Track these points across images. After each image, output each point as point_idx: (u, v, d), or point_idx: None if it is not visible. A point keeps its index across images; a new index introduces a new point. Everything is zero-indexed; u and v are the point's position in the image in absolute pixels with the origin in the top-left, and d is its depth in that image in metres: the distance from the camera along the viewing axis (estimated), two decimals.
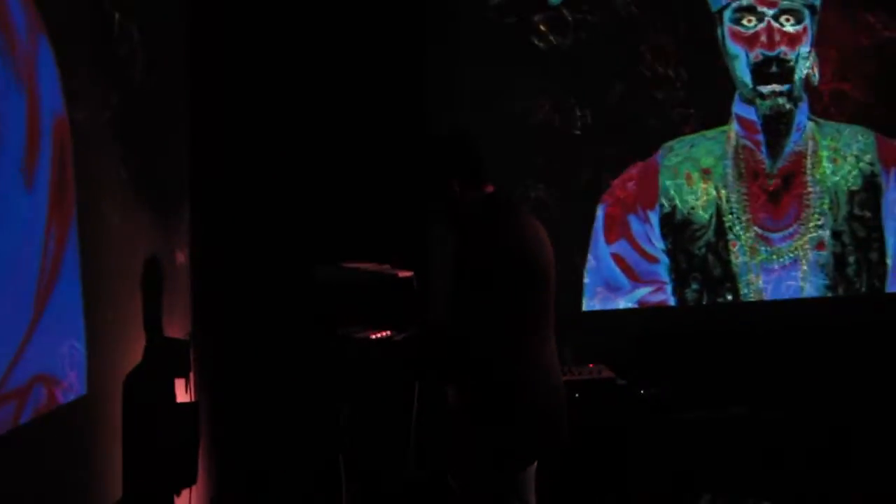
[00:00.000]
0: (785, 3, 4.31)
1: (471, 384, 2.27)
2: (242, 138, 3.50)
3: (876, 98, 4.38)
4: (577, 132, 4.22)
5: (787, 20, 4.31)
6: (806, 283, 4.38)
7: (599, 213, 4.27)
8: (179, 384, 3.17)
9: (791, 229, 4.38)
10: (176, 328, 3.18)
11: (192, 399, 3.27)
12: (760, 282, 4.37)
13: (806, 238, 4.37)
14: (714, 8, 4.29)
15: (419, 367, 2.54)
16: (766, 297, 4.37)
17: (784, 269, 4.37)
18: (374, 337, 2.75)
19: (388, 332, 2.78)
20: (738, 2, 4.29)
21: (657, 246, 4.30)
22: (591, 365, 3.57)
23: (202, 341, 3.33)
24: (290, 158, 3.53)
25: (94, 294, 2.50)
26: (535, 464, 2.39)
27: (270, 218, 3.47)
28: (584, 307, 4.26)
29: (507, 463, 2.30)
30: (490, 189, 2.34)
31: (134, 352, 2.88)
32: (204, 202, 3.39)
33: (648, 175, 4.30)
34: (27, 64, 2.20)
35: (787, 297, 4.37)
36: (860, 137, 4.39)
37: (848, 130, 4.38)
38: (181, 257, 3.26)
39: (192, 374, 3.25)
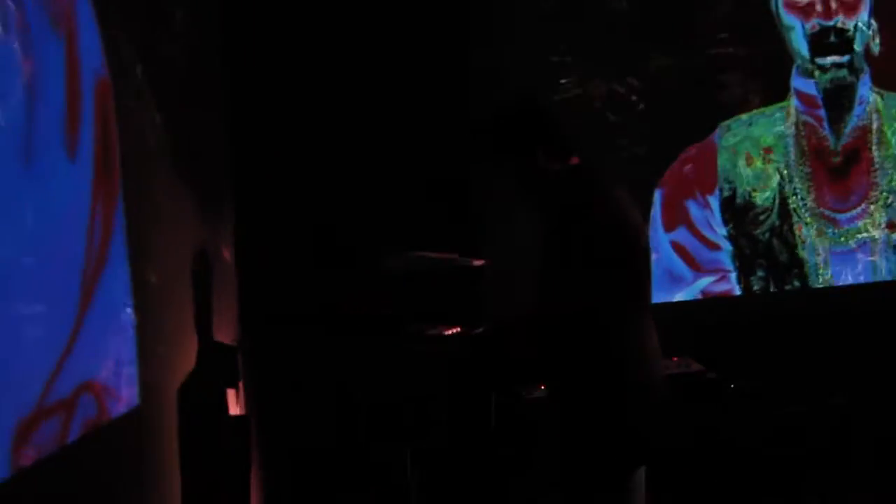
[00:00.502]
0: None
1: (574, 375, 2.01)
2: (286, 123, 3.17)
3: None
4: (629, 114, 3.94)
5: None
6: (879, 265, 4.10)
7: (656, 199, 3.98)
8: (230, 395, 2.85)
9: (859, 209, 4.11)
10: (224, 332, 2.85)
11: (243, 412, 2.94)
12: (830, 266, 4.09)
13: (875, 217, 4.10)
14: None
15: (502, 365, 2.24)
16: (836, 282, 4.09)
17: (853, 251, 4.09)
18: (447, 333, 2.46)
19: (459, 328, 2.51)
20: None
21: (719, 232, 4.01)
22: (674, 359, 3.25)
23: (251, 348, 2.99)
24: (337, 145, 3.21)
25: (143, 286, 2.18)
26: (644, 469, 2.09)
27: (318, 209, 3.14)
28: None
29: (617, 466, 2.01)
30: (576, 160, 2.09)
31: (186, 357, 2.55)
32: (248, 192, 3.06)
33: (706, 157, 4.02)
34: (65, 14, 1.90)
35: (859, 281, 4.08)
36: None
37: None
38: (227, 254, 2.94)
39: (241, 384, 2.92)
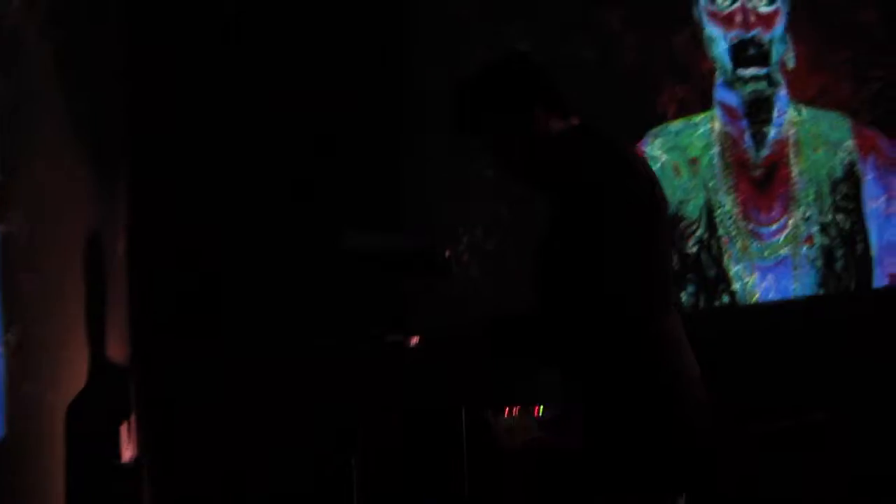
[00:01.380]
0: None
1: (610, 388, 1.63)
2: (193, 82, 2.63)
3: (848, 83, 4.19)
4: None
5: (760, 0, 4.05)
6: (802, 280, 4.04)
7: None
8: (121, 432, 2.25)
9: (780, 223, 4.05)
10: (113, 347, 2.25)
11: (135, 454, 2.33)
12: (755, 281, 3.98)
13: (796, 231, 4.05)
14: None
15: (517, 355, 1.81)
16: (763, 298, 3.99)
17: (776, 266, 4.01)
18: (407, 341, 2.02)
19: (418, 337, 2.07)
20: None
21: None
22: None
23: (145, 368, 2.39)
24: (252, 108, 2.69)
25: (14, 285, 1.60)
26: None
27: (228, 198, 2.60)
28: None
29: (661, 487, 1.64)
30: (576, 120, 1.75)
31: (68, 380, 1.95)
32: (147, 168, 2.48)
33: None
34: None
35: (784, 296, 4.01)
36: (836, 125, 4.16)
37: (825, 117, 4.15)
38: (120, 246, 2.35)
39: (132, 417, 2.32)
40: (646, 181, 1.69)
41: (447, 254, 2.10)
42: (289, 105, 2.83)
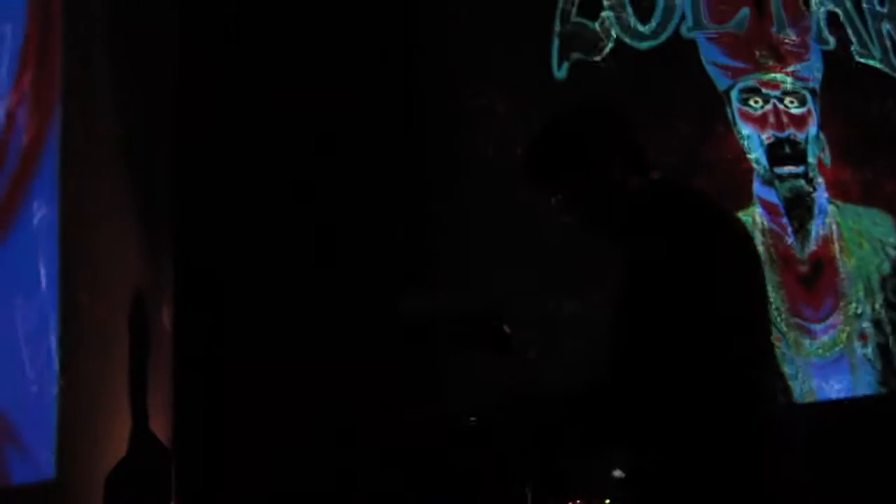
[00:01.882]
0: (787, 85, 4.16)
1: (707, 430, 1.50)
2: (238, 151, 2.67)
3: (887, 180, 4.20)
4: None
5: (792, 102, 4.15)
6: (858, 378, 3.88)
7: None
8: None
9: (831, 320, 3.94)
10: (156, 421, 2.17)
11: None
12: (811, 380, 3.83)
13: (849, 328, 3.93)
14: (721, 87, 4.07)
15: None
16: (819, 397, 3.82)
17: (832, 364, 3.86)
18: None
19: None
20: (742, 82, 4.10)
21: None
22: None
23: (187, 453, 2.30)
24: (296, 184, 2.73)
25: (75, 309, 1.57)
26: None
27: (279, 259, 2.57)
28: None
29: None
30: (657, 175, 1.70)
31: (115, 437, 1.87)
32: (192, 234, 2.47)
33: None
34: None
35: (840, 395, 3.83)
36: (879, 221, 4.14)
37: (866, 213, 4.13)
38: (166, 316, 2.31)
39: None
40: (740, 233, 1.64)
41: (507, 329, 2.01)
42: (332, 175, 2.88)
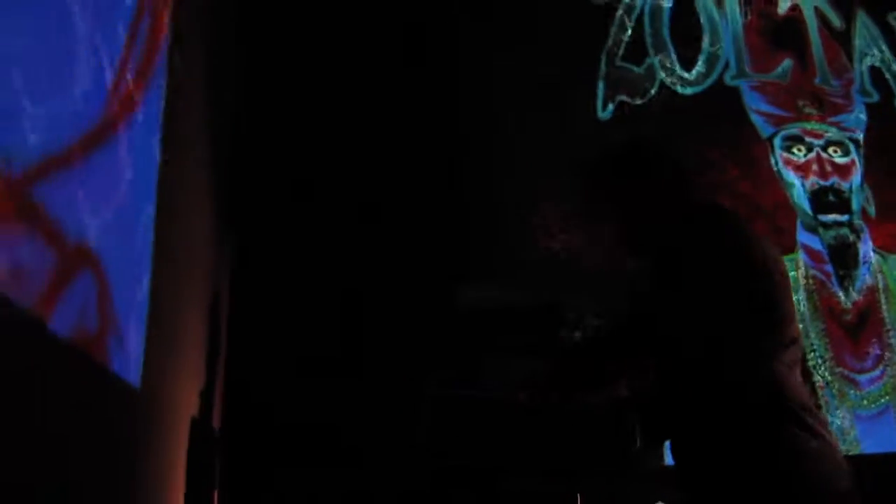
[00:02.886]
0: (830, 135, 4.17)
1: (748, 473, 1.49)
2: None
3: None
4: None
5: (835, 151, 4.15)
6: None
7: None
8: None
9: (877, 371, 3.85)
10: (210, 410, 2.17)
11: None
12: (854, 431, 3.73)
13: (894, 381, 3.84)
14: (764, 135, 4.09)
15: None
16: (864, 449, 3.71)
17: (877, 416, 3.76)
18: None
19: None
20: (785, 130, 4.11)
21: None
22: None
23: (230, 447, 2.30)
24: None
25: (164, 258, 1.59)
26: None
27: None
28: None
29: None
30: (697, 200, 1.75)
31: (189, 391, 1.88)
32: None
33: None
34: None
35: (886, 449, 3.72)
36: None
37: None
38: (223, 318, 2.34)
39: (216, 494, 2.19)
40: (774, 257, 1.64)
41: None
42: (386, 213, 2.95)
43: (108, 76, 1.21)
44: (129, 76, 1.25)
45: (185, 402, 1.81)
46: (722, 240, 1.58)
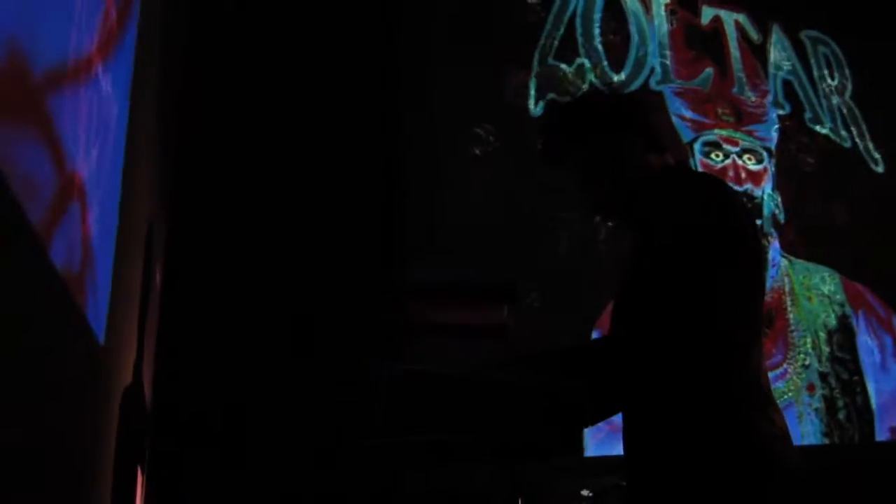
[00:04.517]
0: (745, 143, 4.36)
1: (698, 417, 1.41)
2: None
3: (837, 240, 4.39)
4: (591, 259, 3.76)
5: (749, 159, 4.34)
6: (804, 429, 3.98)
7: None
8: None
9: (782, 369, 4.05)
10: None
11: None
12: None
13: (797, 379, 4.05)
14: (685, 139, 4.23)
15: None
16: None
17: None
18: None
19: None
20: (705, 136, 4.28)
21: None
22: None
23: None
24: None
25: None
26: None
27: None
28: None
29: None
30: (672, 160, 1.65)
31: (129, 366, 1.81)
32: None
33: None
34: None
35: None
36: (827, 278, 4.31)
37: (816, 270, 4.30)
38: (158, 276, 2.26)
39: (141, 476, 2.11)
40: (749, 217, 1.54)
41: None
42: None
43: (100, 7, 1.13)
44: (112, 13, 1.18)
45: (128, 371, 1.74)
46: (721, 212, 1.44)
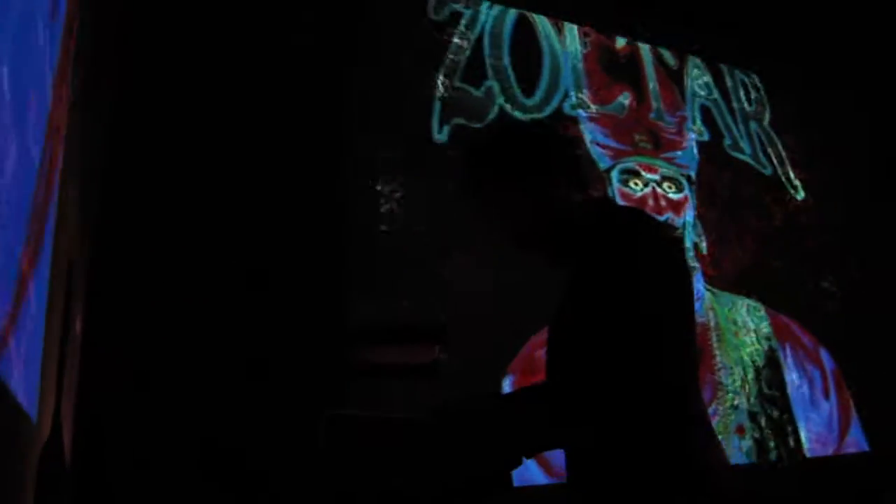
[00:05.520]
0: (664, 170, 4.14)
1: (638, 453, 1.35)
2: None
3: (759, 271, 4.20)
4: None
5: (670, 187, 4.11)
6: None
7: (506, 387, 3.36)
8: None
9: (710, 409, 3.79)
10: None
11: None
12: None
13: (726, 421, 3.79)
14: (602, 167, 3.98)
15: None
16: None
17: None
18: None
19: None
20: (622, 164, 4.04)
21: None
22: None
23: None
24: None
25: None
26: None
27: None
28: None
29: None
30: (595, 195, 1.67)
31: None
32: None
33: None
34: None
35: None
36: (752, 310, 4.10)
37: (741, 302, 4.08)
38: (77, 324, 1.89)
39: None
40: (682, 252, 1.60)
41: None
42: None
43: None
44: None
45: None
46: (654, 249, 1.42)
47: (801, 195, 4.76)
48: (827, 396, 4.12)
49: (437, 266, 3.32)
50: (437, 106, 3.63)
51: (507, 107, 3.81)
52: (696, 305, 3.91)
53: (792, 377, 4.04)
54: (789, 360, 4.08)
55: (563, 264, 1.50)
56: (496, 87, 3.83)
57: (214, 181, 2.76)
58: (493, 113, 3.76)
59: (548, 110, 3.94)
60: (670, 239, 1.59)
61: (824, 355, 4.22)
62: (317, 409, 1.39)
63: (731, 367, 3.89)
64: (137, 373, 2.27)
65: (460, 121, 3.63)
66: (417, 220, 3.33)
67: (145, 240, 2.53)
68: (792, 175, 4.81)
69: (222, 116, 2.86)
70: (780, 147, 4.87)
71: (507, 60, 3.94)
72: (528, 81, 3.96)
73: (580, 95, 4.10)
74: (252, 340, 2.52)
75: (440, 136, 3.58)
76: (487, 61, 3.88)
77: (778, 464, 3.76)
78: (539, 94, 3.97)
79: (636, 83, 4.39)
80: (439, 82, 3.69)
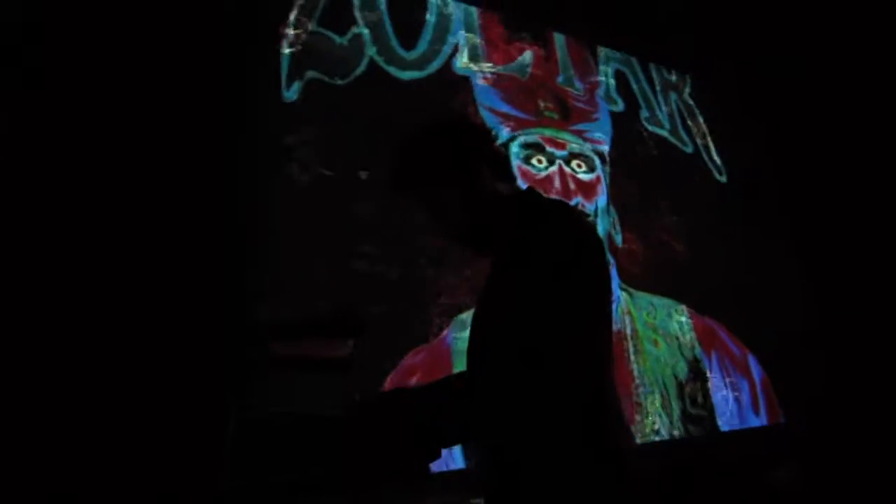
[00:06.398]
0: (574, 146, 3.43)
1: (555, 442, 1.39)
2: None
3: (680, 266, 3.56)
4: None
5: (579, 166, 3.40)
6: None
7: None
8: None
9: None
10: None
11: None
12: None
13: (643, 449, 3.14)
14: (501, 138, 3.23)
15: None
16: None
17: None
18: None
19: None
20: (524, 136, 3.30)
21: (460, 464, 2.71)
22: None
23: None
24: None
25: None
26: None
27: None
28: None
29: None
30: (519, 187, 1.66)
31: None
32: None
33: (437, 364, 2.81)
34: None
35: None
36: (674, 313, 3.45)
37: (661, 304, 3.43)
38: None
39: None
40: (598, 243, 1.51)
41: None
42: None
43: None
44: None
45: None
46: (578, 238, 1.45)
47: (724, 178, 4.16)
48: (757, 412, 3.54)
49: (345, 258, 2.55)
50: (286, 56, 2.79)
51: (380, 60, 3.00)
52: (612, 307, 3.22)
53: (719, 393, 3.43)
54: (715, 369, 3.47)
55: (490, 255, 1.54)
56: (366, 35, 3.01)
57: (98, 176, 2.31)
58: (362, 67, 2.94)
59: (432, 67, 3.15)
60: (592, 233, 1.47)
61: (753, 364, 3.64)
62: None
63: (651, 384, 3.23)
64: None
65: (317, 74, 2.80)
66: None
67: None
68: (715, 154, 4.20)
69: (104, 111, 2.31)
70: (701, 122, 4.25)
71: (382, 3, 3.13)
72: (409, 30, 3.16)
73: (474, 51, 3.33)
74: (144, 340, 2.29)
75: (289, 94, 2.74)
76: (356, 3, 3.06)
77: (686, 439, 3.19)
78: (422, 47, 3.18)
79: (542, 40, 3.66)
80: (290, 26, 2.84)
